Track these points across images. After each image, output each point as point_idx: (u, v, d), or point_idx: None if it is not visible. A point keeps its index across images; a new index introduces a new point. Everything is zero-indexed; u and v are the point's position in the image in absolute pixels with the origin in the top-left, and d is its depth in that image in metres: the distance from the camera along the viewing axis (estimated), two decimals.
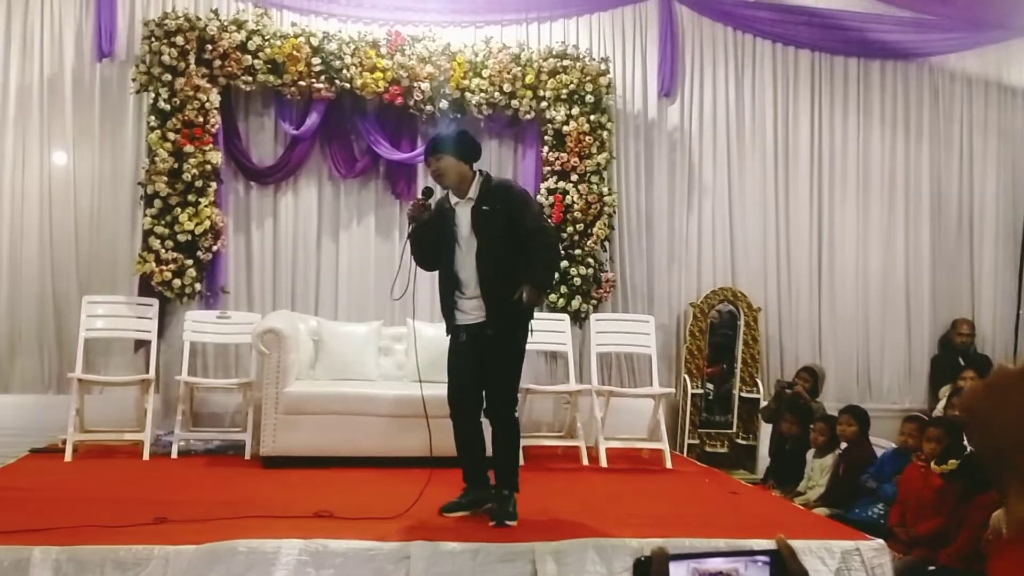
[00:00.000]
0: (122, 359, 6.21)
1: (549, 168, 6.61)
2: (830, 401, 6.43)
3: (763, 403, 6.69)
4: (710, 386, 6.97)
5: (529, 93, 6.54)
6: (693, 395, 6.82)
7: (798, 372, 6.52)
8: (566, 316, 6.40)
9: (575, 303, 6.50)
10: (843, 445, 5.44)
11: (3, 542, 3.41)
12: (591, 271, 6.57)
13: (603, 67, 6.67)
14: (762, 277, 7.17)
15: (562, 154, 6.56)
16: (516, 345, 4.15)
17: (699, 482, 5.51)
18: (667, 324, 6.98)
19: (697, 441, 6.83)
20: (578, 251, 6.53)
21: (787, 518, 4.59)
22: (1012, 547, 0.84)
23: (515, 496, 4.10)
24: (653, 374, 6.34)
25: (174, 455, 5.58)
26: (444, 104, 6.43)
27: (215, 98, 6.17)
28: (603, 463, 5.68)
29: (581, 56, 6.65)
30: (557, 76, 6.54)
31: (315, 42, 6.28)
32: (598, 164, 6.59)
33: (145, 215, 6.12)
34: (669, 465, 5.77)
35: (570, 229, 6.52)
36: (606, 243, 6.70)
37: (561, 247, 6.13)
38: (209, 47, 6.14)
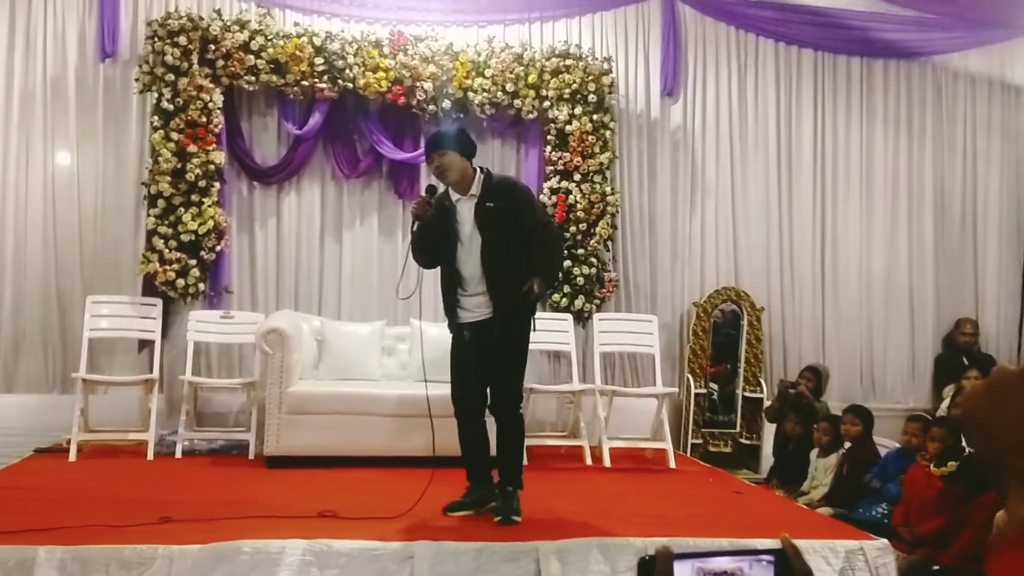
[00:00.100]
0: (126, 359, 6.22)
1: (552, 168, 6.61)
2: (834, 401, 6.42)
3: (766, 403, 6.68)
4: (714, 386, 6.96)
5: (532, 93, 6.54)
6: (696, 395, 6.81)
7: (802, 372, 6.51)
8: (569, 316, 6.40)
9: (578, 303, 6.50)
10: (847, 445, 5.44)
11: (8, 542, 3.42)
12: (594, 271, 6.57)
13: (606, 67, 6.67)
14: (765, 276, 7.17)
15: (565, 154, 6.56)
16: (522, 341, 4.16)
17: (703, 482, 5.50)
18: (670, 324, 6.98)
19: (700, 441, 6.83)
20: (581, 251, 6.53)
21: (791, 518, 4.58)
22: (1012, 547, 0.84)
23: (519, 493, 4.11)
24: (656, 374, 6.34)
25: (178, 455, 5.59)
26: (447, 104, 6.43)
27: (218, 98, 6.18)
28: (606, 463, 5.68)
29: (584, 56, 6.64)
30: (560, 76, 6.54)
31: (318, 42, 6.28)
32: (601, 164, 6.59)
33: (149, 215, 6.12)
34: (673, 465, 5.77)
35: (573, 229, 6.52)
36: (609, 243, 6.70)
37: (564, 245, 6.16)
38: (212, 47, 6.14)
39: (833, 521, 4.56)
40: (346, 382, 5.68)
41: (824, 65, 7.34)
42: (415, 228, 4.13)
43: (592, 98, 6.55)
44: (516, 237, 4.08)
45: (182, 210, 6.08)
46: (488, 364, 4.16)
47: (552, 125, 6.60)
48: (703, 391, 6.88)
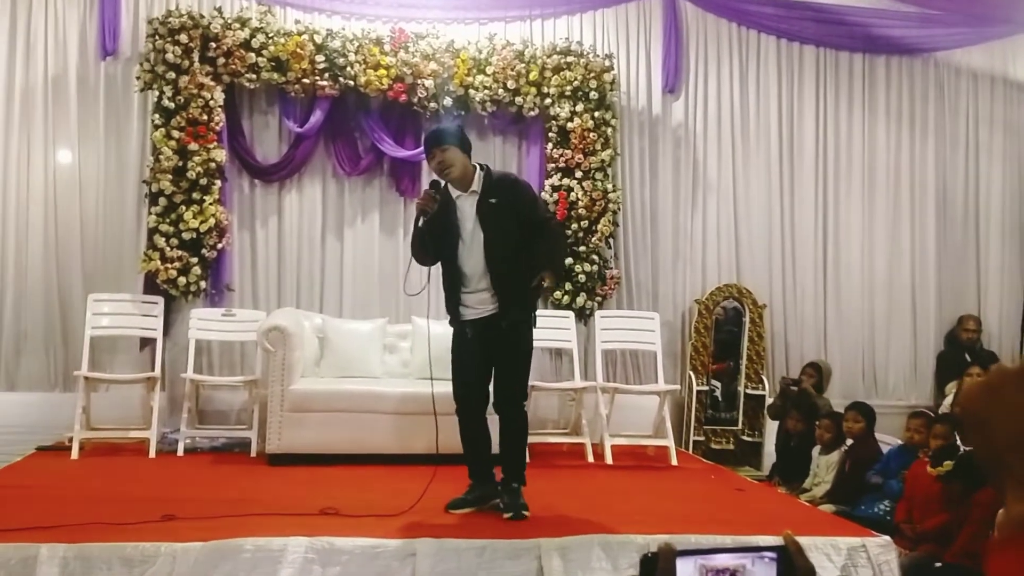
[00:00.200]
0: (128, 357, 6.23)
1: (553, 165, 6.60)
2: (836, 398, 6.41)
3: (768, 400, 6.68)
4: (717, 383, 6.96)
5: (533, 90, 6.53)
6: (698, 392, 6.81)
7: (803, 368, 6.51)
8: (571, 313, 6.40)
9: (580, 300, 6.50)
10: (849, 442, 5.43)
11: (10, 539, 3.42)
12: (596, 268, 6.56)
13: (607, 63, 6.66)
14: (767, 273, 7.16)
15: (566, 151, 6.55)
16: (528, 337, 4.18)
17: (705, 479, 5.50)
18: (672, 321, 6.97)
19: (703, 438, 6.82)
20: (583, 248, 6.53)
21: (793, 515, 4.58)
22: (1008, 546, 0.84)
23: (522, 490, 4.12)
24: (658, 371, 6.34)
25: (180, 453, 5.59)
26: (448, 101, 6.42)
27: (219, 96, 6.18)
28: (608, 460, 5.68)
29: (585, 52, 6.64)
30: (561, 73, 6.53)
31: (319, 39, 6.28)
32: (602, 161, 6.58)
33: (150, 213, 6.13)
34: (674, 462, 5.77)
35: (575, 226, 6.52)
36: (610, 240, 6.70)
37: (567, 240, 6.18)
38: (213, 45, 6.14)
39: (835, 518, 4.55)
40: (348, 380, 5.68)
41: (826, 61, 7.32)
42: (420, 224, 4.09)
43: (593, 95, 6.54)
44: (518, 233, 4.09)
45: (183, 208, 6.08)
46: (489, 361, 4.16)
47: (553, 122, 6.60)
48: (705, 388, 6.88)
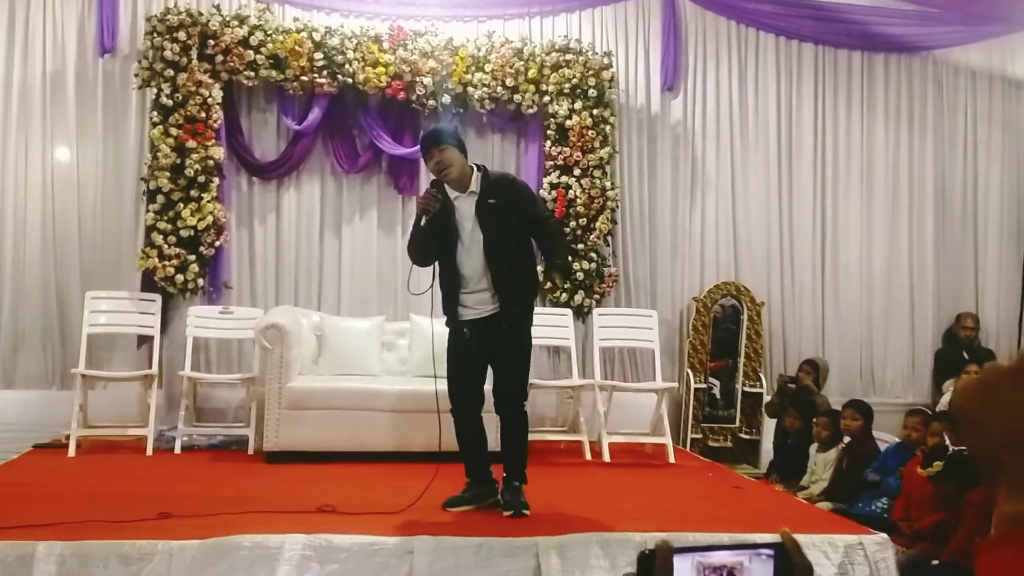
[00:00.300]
0: (125, 355, 6.22)
1: (552, 163, 6.60)
2: (834, 395, 6.42)
3: (766, 398, 6.69)
4: (715, 381, 6.96)
5: (532, 88, 6.53)
6: (696, 389, 6.82)
7: (800, 365, 6.51)
8: (569, 311, 6.40)
9: (578, 298, 6.50)
10: (846, 439, 5.44)
11: (7, 537, 3.41)
12: (594, 266, 6.56)
13: (606, 61, 6.66)
14: (765, 271, 7.17)
15: (565, 149, 6.55)
16: (528, 337, 4.19)
17: (702, 476, 5.50)
18: (670, 319, 6.98)
19: (700, 436, 6.83)
20: (581, 246, 6.53)
21: (790, 512, 4.58)
22: (1000, 544, 0.84)
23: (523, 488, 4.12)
24: (656, 369, 6.33)
25: (177, 450, 5.59)
26: (446, 99, 6.42)
27: (217, 93, 6.17)
28: (606, 458, 5.68)
29: (584, 50, 6.64)
30: (560, 70, 6.53)
31: (317, 37, 6.27)
32: (601, 159, 6.58)
33: (148, 211, 6.12)
34: (672, 460, 5.77)
35: (573, 224, 6.52)
36: (609, 238, 6.70)
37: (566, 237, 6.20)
38: (211, 42, 6.13)
39: (832, 516, 4.55)
40: (346, 377, 5.68)
41: (825, 59, 7.33)
42: (423, 223, 4.06)
43: (592, 93, 6.54)
44: (517, 233, 4.10)
45: (181, 205, 6.07)
46: (486, 361, 4.17)
47: (552, 120, 6.59)
48: (703, 386, 6.88)
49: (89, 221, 6.33)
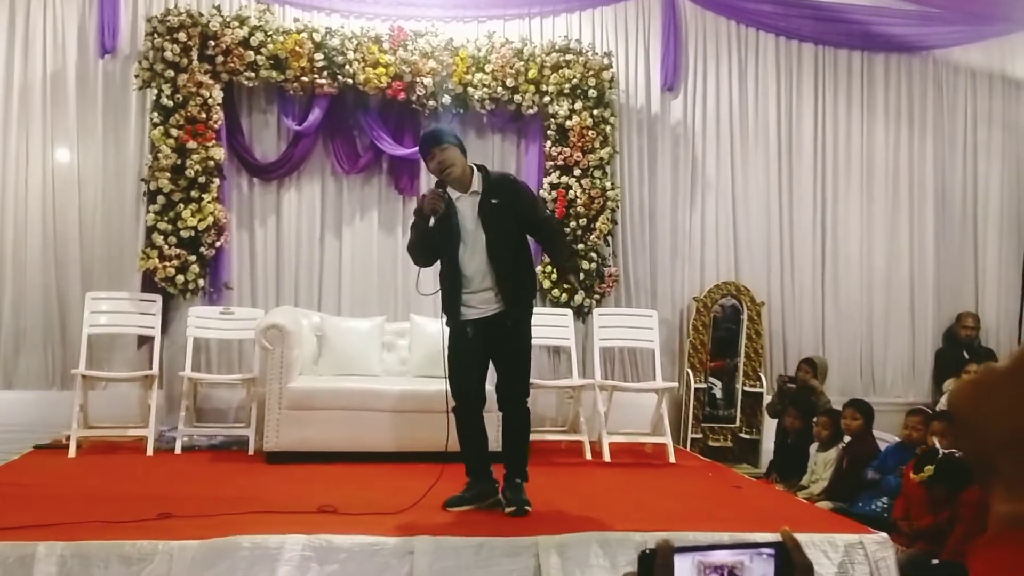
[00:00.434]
0: (126, 355, 6.22)
1: (552, 163, 6.60)
2: (834, 395, 6.41)
3: (766, 398, 6.69)
4: (716, 381, 6.96)
5: (532, 88, 6.53)
6: (696, 389, 6.82)
7: (799, 364, 6.51)
8: (569, 311, 6.40)
9: (578, 298, 6.50)
10: (847, 439, 5.44)
11: (8, 538, 3.42)
12: (594, 266, 6.57)
13: (606, 61, 6.66)
14: (765, 271, 7.17)
15: (565, 149, 6.55)
16: (529, 334, 4.22)
17: (702, 476, 5.50)
18: (670, 319, 6.98)
19: (700, 435, 6.83)
20: (581, 246, 6.53)
21: (790, 512, 4.58)
22: (993, 544, 0.84)
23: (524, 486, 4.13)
24: (656, 369, 6.33)
25: (178, 451, 5.59)
26: (447, 99, 6.42)
27: (218, 94, 6.18)
28: (606, 458, 5.68)
29: (584, 51, 6.64)
30: (560, 71, 6.53)
31: (317, 38, 6.27)
32: (601, 159, 6.58)
33: (148, 211, 6.12)
34: (672, 459, 5.77)
35: (573, 224, 6.52)
36: (609, 238, 6.70)
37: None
38: (212, 43, 6.13)
39: (832, 515, 4.55)
40: (346, 378, 5.68)
41: (825, 59, 7.32)
42: (432, 223, 4.05)
43: (592, 93, 6.54)
44: (518, 232, 4.12)
45: (181, 206, 6.07)
46: (488, 360, 4.18)
47: (552, 120, 6.60)
48: (703, 386, 6.88)
49: (90, 222, 6.34)
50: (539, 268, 6.25)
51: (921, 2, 7.31)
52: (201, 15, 6.19)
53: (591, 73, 6.55)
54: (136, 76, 6.15)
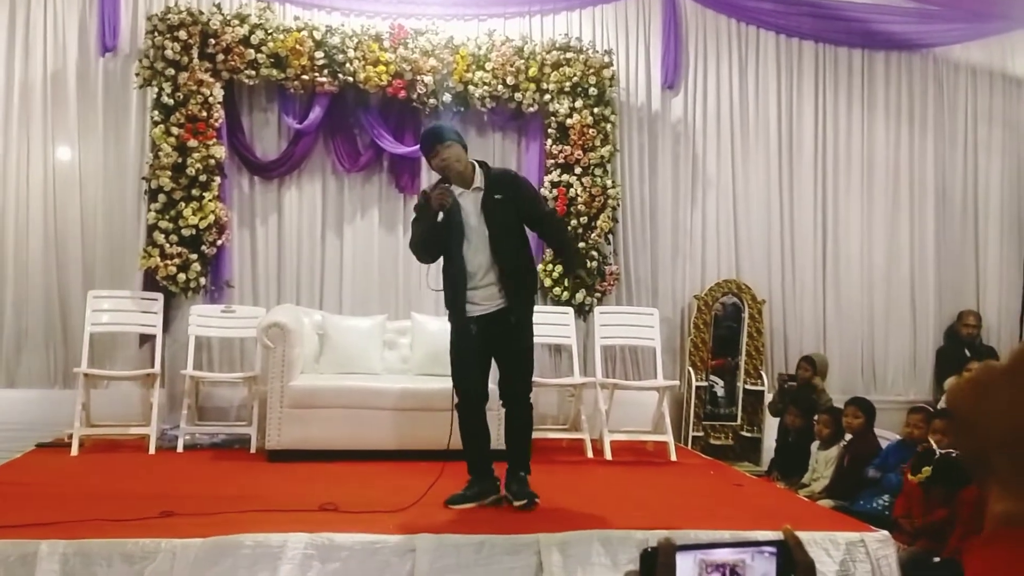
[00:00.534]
0: (127, 354, 6.23)
1: (553, 161, 6.60)
2: (835, 393, 6.41)
3: (767, 395, 6.69)
4: (717, 380, 6.96)
5: (532, 86, 6.53)
6: (697, 387, 6.82)
7: (799, 362, 6.51)
8: (570, 309, 6.40)
9: (579, 296, 6.50)
10: (848, 437, 5.44)
11: (10, 536, 3.42)
12: (595, 264, 6.56)
13: (606, 60, 6.65)
14: (766, 269, 7.17)
15: (566, 147, 6.55)
16: (531, 331, 4.24)
17: (704, 474, 5.51)
18: (671, 317, 6.98)
19: (701, 433, 6.83)
20: (582, 244, 6.53)
21: (792, 510, 4.59)
22: (990, 543, 0.84)
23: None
24: (657, 367, 6.33)
25: (180, 449, 5.59)
26: (447, 97, 6.42)
27: (218, 92, 6.18)
28: (607, 456, 5.69)
29: (584, 49, 6.63)
30: (560, 69, 6.53)
31: (318, 36, 6.27)
32: (602, 157, 6.58)
33: (149, 210, 6.12)
34: (674, 457, 5.77)
35: (574, 222, 6.52)
36: (610, 236, 6.70)
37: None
38: (212, 41, 6.13)
39: (834, 513, 4.56)
40: (347, 376, 5.68)
41: (825, 57, 7.32)
42: (439, 219, 4.04)
43: (593, 91, 6.54)
44: (520, 228, 4.15)
45: (183, 205, 6.07)
46: (491, 356, 4.20)
47: (553, 118, 6.59)
48: (704, 384, 6.88)
49: (91, 220, 6.34)
50: (540, 267, 6.26)
51: (921, 0, 7.30)
52: (201, 13, 6.19)
53: (591, 71, 6.55)
54: (137, 74, 6.15)
